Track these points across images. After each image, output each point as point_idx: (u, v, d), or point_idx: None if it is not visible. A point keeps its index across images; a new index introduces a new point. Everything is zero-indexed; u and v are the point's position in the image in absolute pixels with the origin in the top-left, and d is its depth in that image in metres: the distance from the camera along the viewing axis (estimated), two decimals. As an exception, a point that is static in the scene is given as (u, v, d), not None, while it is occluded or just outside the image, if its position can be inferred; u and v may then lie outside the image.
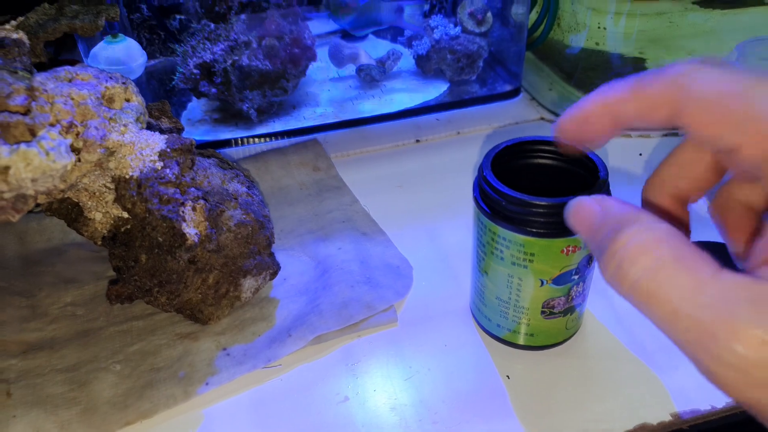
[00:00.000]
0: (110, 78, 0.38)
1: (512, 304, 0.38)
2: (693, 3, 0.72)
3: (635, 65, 0.68)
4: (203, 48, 0.61)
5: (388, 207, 0.54)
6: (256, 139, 0.63)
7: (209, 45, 0.61)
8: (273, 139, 0.63)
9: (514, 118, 0.65)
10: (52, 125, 0.35)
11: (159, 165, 0.37)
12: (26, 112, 0.36)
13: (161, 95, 0.69)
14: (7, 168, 0.34)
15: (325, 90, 0.69)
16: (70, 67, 0.38)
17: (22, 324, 0.45)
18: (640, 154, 0.59)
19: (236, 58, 0.60)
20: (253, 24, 0.63)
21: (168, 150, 0.38)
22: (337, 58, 0.70)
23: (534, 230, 0.34)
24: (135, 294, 0.42)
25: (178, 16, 0.72)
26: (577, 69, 0.68)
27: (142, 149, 0.37)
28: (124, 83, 0.38)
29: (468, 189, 0.50)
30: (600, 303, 0.44)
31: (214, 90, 0.61)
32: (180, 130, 0.47)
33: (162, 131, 0.44)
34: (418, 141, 0.63)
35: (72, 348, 0.43)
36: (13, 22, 0.44)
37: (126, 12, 0.70)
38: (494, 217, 0.35)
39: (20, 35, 0.43)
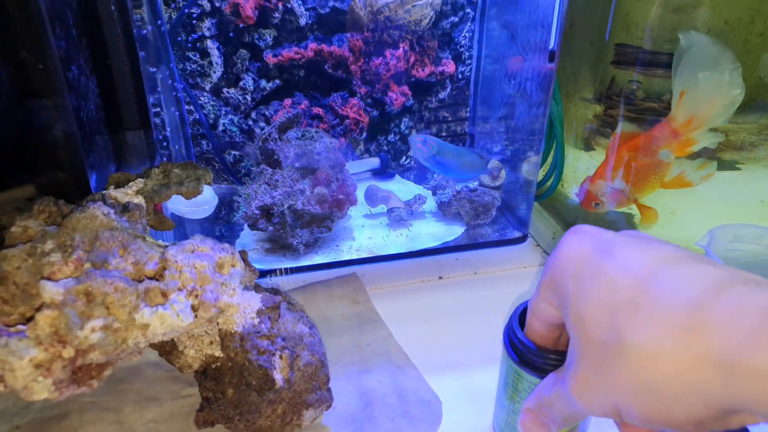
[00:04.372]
0: (222, 249, 0.48)
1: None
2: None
3: (628, 221, 0.79)
4: (264, 192, 0.72)
5: (417, 340, 0.64)
6: (302, 269, 0.73)
7: (269, 190, 0.72)
8: (316, 270, 0.73)
9: (522, 262, 0.76)
10: (179, 290, 0.45)
11: (256, 321, 0.47)
12: (158, 277, 0.46)
13: (215, 218, 0.80)
14: (147, 325, 0.43)
15: (360, 226, 0.80)
16: (194, 241, 0.48)
17: (114, 438, 0.53)
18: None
19: (292, 202, 0.71)
20: (305, 172, 0.74)
21: (263, 308, 0.48)
22: (371, 200, 0.81)
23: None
24: (218, 420, 0.50)
25: (233, 152, 0.84)
26: (576, 220, 0.80)
27: (244, 308, 0.47)
28: (232, 253, 0.49)
29: (485, 327, 0.60)
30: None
31: (271, 228, 0.72)
32: (256, 275, 0.57)
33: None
34: (440, 278, 0.73)
35: (158, 462, 0.51)
36: (134, 187, 0.55)
37: (191, 140, 0.82)
38: (520, 363, 0.45)
39: (139, 200, 0.54)
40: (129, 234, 0.48)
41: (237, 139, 0.83)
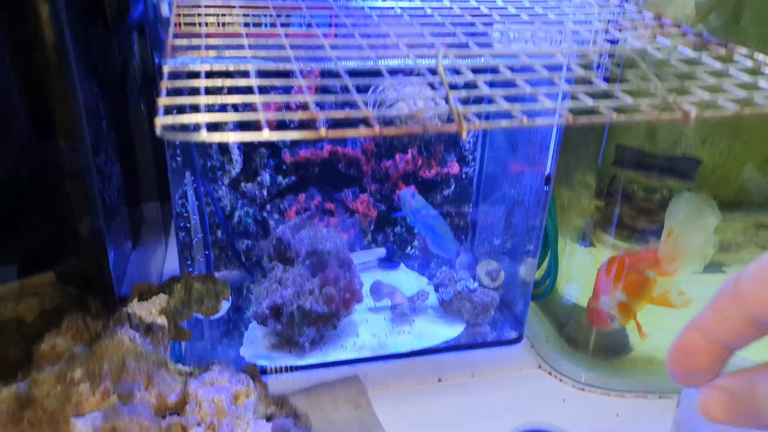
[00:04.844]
0: (238, 381, 0.52)
1: None
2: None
3: (618, 332, 0.82)
4: (275, 290, 0.76)
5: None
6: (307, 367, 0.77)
7: (279, 289, 0.76)
8: (320, 368, 0.77)
9: (517, 364, 0.80)
10: (198, 424, 0.49)
11: (267, 451, 0.51)
12: (179, 409, 0.50)
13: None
14: (167, 460, 0.47)
15: (365, 320, 0.84)
16: (212, 374, 0.52)
17: None
18: (617, 415, 0.73)
19: (301, 303, 0.75)
20: (315, 270, 0.78)
21: (274, 439, 0.52)
22: (376, 294, 0.85)
23: None
24: None
25: (246, 241, 0.88)
26: (568, 322, 0.84)
27: (256, 439, 0.51)
28: (247, 384, 0.52)
29: None
30: None
31: (279, 326, 0.76)
32: (265, 389, 0.61)
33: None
34: (440, 380, 0.77)
35: None
36: (158, 305, 0.59)
37: (206, 234, 0.86)
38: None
39: (162, 320, 0.58)
40: (153, 362, 0.52)
41: (251, 230, 0.87)
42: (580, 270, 0.80)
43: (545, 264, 0.86)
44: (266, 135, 0.33)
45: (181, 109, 0.34)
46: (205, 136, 0.32)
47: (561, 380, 0.78)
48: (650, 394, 0.76)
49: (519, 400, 0.75)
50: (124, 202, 0.91)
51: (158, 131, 0.31)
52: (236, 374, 0.53)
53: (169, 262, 0.96)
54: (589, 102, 0.37)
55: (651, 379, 0.77)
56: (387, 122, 0.84)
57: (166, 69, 0.39)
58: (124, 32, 0.59)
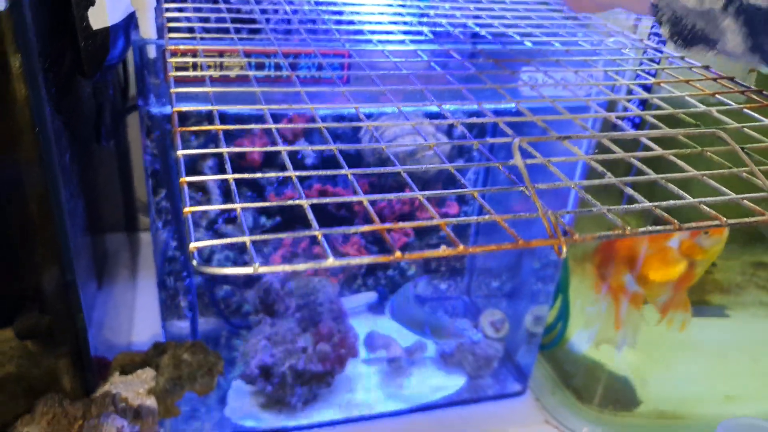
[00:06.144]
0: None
1: None
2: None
3: (626, 384, 0.78)
4: (264, 348, 0.69)
5: None
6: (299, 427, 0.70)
7: (269, 346, 0.69)
8: (314, 427, 0.70)
9: (523, 419, 0.75)
10: None
11: None
12: None
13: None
14: None
15: (359, 374, 0.78)
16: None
17: None
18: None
19: (293, 362, 0.68)
20: (306, 324, 0.72)
21: None
22: (371, 346, 0.79)
23: None
24: None
25: (225, 287, 0.81)
26: (576, 373, 0.79)
27: None
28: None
29: None
30: None
31: (270, 388, 0.69)
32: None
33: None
34: (442, 440, 0.72)
35: None
36: (146, 386, 0.51)
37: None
38: None
39: (152, 402, 0.50)
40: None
41: (230, 276, 0.80)
42: (594, 317, 0.76)
43: (554, 311, 0.81)
44: (330, 262, 0.26)
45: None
46: (257, 267, 0.25)
47: (570, 437, 0.73)
48: (664, 452, 0.73)
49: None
50: (88, 238, 0.82)
51: (195, 261, 0.25)
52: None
53: (141, 303, 0.88)
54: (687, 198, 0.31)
55: (662, 434, 0.74)
56: (385, 159, 0.78)
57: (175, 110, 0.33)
58: (101, 74, 0.52)
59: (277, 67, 0.49)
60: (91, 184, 0.83)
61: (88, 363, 0.59)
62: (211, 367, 0.54)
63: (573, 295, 0.78)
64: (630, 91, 0.52)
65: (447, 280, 0.90)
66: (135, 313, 0.86)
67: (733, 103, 0.43)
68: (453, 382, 0.78)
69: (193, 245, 0.25)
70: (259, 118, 0.38)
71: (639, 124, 0.59)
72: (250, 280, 0.79)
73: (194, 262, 0.25)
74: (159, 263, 0.67)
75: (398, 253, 0.27)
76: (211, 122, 0.37)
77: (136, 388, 0.50)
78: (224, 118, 0.37)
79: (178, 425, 0.68)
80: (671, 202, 0.31)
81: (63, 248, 0.54)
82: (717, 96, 0.44)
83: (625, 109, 0.44)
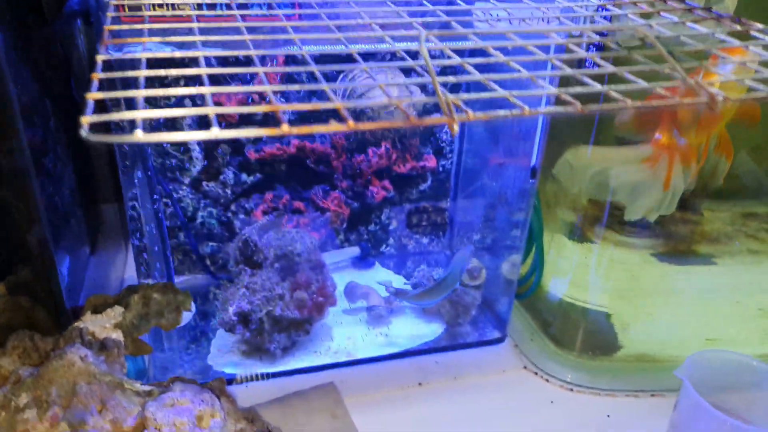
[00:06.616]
0: (202, 401, 0.47)
1: None
2: (651, 255, 0.86)
3: (605, 319, 0.79)
4: (242, 296, 0.71)
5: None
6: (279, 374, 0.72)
7: (248, 294, 0.71)
8: (293, 374, 0.72)
9: (502, 365, 0.76)
10: (158, 452, 0.44)
11: (235, 478, 0.46)
12: (136, 435, 0.45)
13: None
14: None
15: (339, 323, 0.79)
16: (173, 394, 0.47)
17: None
18: (608, 416, 0.70)
19: (270, 308, 0.70)
20: (285, 274, 0.73)
21: (243, 463, 0.47)
22: (351, 296, 0.81)
23: None
24: None
25: (210, 244, 0.83)
26: (554, 320, 0.80)
27: (223, 465, 0.46)
28: (212, 405, 0.48)
29: None
30: None
31: (248, 334, 0.71)
32: (234, 406, 0.56)
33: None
34: (420, 384, 0.73)
35: None
36: (113, 320, 0.53)
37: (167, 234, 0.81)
38: None
39: (117, 335, 0.52)
40: (107, 386, 0.47)
41: (215, 231, 0.82)
42: (568, 265, 0.77)
43: (529, 260, 0.82)
44: (215, 133, 0.28)
45: (116, 104, 0.29)
46: (139, 136, 0.26)
47: (548, 381, 0.75)
48: (642, 393, 0.73)
49: (505, 402, 0.71)
50: (79, 205, 0.84)
51: (84, 132, 0.26)
52: (200, 393, 0.48)
53: (131, 267, 0.91)
54: (597, 87, 0.33)
55: (642, 377, 0.74)
56: (360, 114, 0.80)
57: (99, 58, 0.34)
58: (65, 21, 0.53)
59: (228, 6, 0.50)
60: (83, 153, 0.85)
61: (63, 310, 0.62)
62: (179, 305, 0.56)
63: (547, 243, 0.79)
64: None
65: (429, 235, 0.91)
66: (125, 275, 0.88)
67: (677, 18, 0.43)
68: (432, 330, 0.79)
69: (84, 119, 0.26)
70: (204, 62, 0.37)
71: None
72: (232, 234, 0.81)
73: (83, 133, 0.26)
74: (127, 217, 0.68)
75: (285, 126, 0.28)
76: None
77: (103, 323, 0.52)
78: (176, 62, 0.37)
79: (160, 374, 0.71)
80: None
81: (36, 211, 0.57)
82: (662, 14, 0.44)
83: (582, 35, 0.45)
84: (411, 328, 0.80)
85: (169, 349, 0.74)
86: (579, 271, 0.76)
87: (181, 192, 0.79)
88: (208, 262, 0.83)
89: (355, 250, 0.88)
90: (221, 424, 0.48)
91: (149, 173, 0.69)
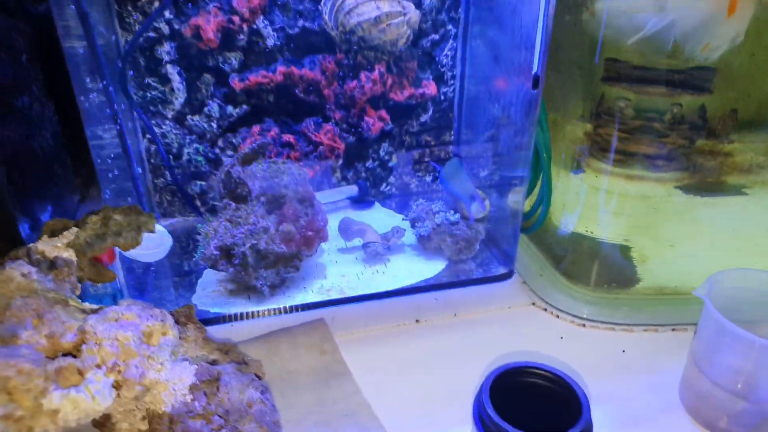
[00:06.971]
0: (151, 316, 0.43)
1: None
2: (675, 188, 0.79)
3: (622, 253, 0.73)
4: (225, 230, 0.66)
5: (389, 395, 0.58)
6: (267, 312, 0.68)
7: (230, 227, 0.66)
8: (283, 313, 0.68)
9: (507, 301, 0.71)
10: (98, 366, 0.40)
11: (189, 398, 0.42)
12: (76, 351, 0.41)
13: (179, 254, 0.74)
14: (56, 411, 0.38)
15: (333, 261, 0.74)
16: (117, 308, 0.43)
17: None
18: (624, 351, 0.64)
19: (254, 242, 0.66)
20: (271, 207, 0.69)
21: (198, 383, 0.42)
22: (346, 233, 0.75)
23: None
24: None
25: (198, 182, 0.79)
26: (566, 255, 0.74)
27: (174, 384, 0.41)
28: (162, 320, 0.43)
29: (465, 380, 0.56)
30: None
31: (231, 269, 0.66)
32: (202, 332, 0.52)
33: (188, 339, 0.49)
34: (417, 321, 0.68)
35: None
36: (64, 240, 0.49)
37: (151, 176, 0.77)
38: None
39: (70, 254, 0.48)
40: (47, 300, 0.42)
41: (203, 169, 0.78)
42: (575, 199, 0.70)
43: (535, 193, 0.76)
44: None
45: None
46: None
47: (558, 317, 0.69)
48: (661, 327, 0.67)
49: (509, 337, 0.65)
50: (65, 151, 0.81)
51: None
52: (149, 308, 0.43)
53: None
54: None
55: (662, 311, 0.68)
56: (350, 33, 0.74)
57: None
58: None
59: None
60: (68, 93, 0.82)
61: (17, 236, 0.59)
62: (141, 225, 0.52)
63: (557, 169, 0.72)
64: None
65: (432, 172, 0.85)
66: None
67: None
68: (432, 267, 0.74)
69: None
70: None
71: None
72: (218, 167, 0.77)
73: None
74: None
75: None
76: None
77: (54, 243, 0.48)
78: None
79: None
80: None
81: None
82: None
83: None
84: (410, 266, 0.74)
85: (151, 287, 0.70)
86: (592, 203, 0.70)
87: (164, 127, 0.75)
88: (198, 203, 0.79)
89: (352, 189, 0.83)
90: (174, 341, 0.43)
91: (111, 100, 0.65)
